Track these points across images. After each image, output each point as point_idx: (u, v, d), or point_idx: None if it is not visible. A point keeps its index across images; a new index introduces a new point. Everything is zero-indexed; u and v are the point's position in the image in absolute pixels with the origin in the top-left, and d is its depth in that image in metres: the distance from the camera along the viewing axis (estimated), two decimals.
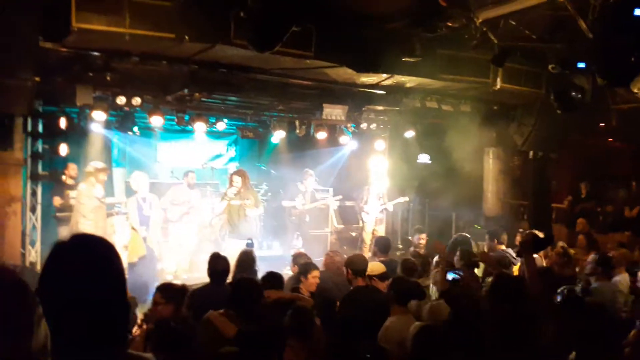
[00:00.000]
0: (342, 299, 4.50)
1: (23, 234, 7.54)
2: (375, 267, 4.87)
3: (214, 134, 10.11)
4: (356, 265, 4.81)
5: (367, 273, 4.79)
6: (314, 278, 4.84)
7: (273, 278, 4.52)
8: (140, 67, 6.49)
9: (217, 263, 4.71)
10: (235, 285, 3.90)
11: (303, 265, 5.10)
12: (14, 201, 7.32)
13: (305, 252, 6.40)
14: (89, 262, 1.32)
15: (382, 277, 4.72)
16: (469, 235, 7.09)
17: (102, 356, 1.29)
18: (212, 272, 4.67)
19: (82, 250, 1.35)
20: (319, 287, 4.85)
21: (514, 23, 6.11)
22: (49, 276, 1.31)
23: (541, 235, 4.77)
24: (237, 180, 7.58)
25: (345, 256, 5.55)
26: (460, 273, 4.60)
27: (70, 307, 1.26)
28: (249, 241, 6.26)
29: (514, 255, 6.34)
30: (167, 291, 3.86)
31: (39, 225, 7.85)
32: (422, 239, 7.77)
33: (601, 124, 9.43)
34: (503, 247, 6.82)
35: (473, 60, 7.00)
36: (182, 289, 4.03)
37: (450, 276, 4.51)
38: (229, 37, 5.63)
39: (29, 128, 7.61)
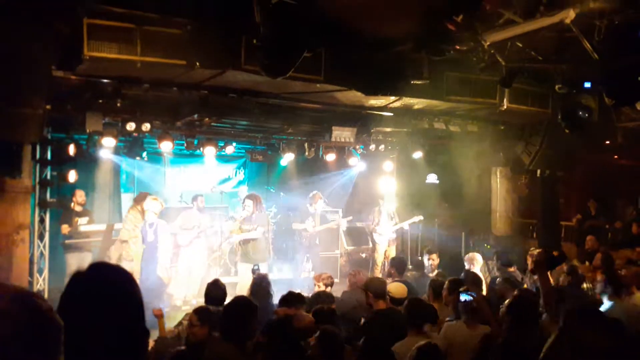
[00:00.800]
0: (364, 322, 4.49)
1: (31, 261, 7.48)
2: (396, 288, 4.85)
3: (222, 158, 10.12)
4: (377, 289, 4.79)
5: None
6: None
7: (292, 297, 4.53)
8: (150, 93, 6.55)
9: (213, 290, 4.86)
10: (227, 307, 3.91)
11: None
12: (22, 228, 7.27)
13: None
14: (107, 291, 1.33)
15: (397, 301, 4.69)
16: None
17: None
18: (207, 298, 4.83)
19: (100, 280, 1.36)
20: (345, 306, 4.85)
21: (520, 45, 6.18)
22: (66, 305, 1.30)
23: (554, 253, 4.76)
24: (249, 204, 7.51)
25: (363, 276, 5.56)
26: (474, 294, 4.56)
27: (88, 336, 1.25)
28: (255, 267, 6.23)
29: (519, 278, 6.34)
30: (203, 314, 4.03)
31: (46, 252, 7.80)
32: (432, 259, 7.74)
33: (607, 142, 9.48)
34: (512, 269, 6.79)
35: (480, 81, 7.06)
36: (217, 312, 4.15)
37: (462, 297, 4.46)
38: (239, 62, 5.68)
39: (38, 155, 7.62)
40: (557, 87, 6.86)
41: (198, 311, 4.10)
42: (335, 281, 7.53)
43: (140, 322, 1.37)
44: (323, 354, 3.14)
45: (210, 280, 8.55)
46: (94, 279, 1.35)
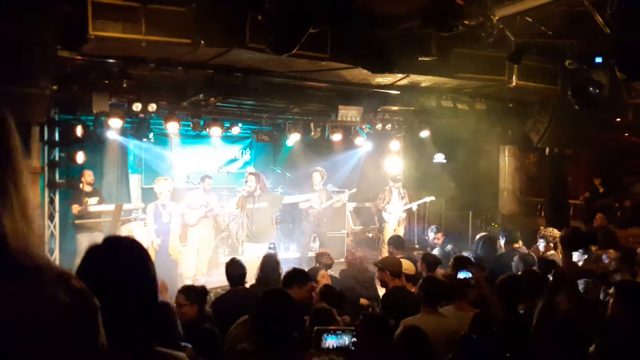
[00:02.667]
0: (383, 299, 4.50)
1: None
2: (408, 265, 4.87)
3: (228, 139, 10.14)
4: (394, 267, 4.79)
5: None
6: (322, 277, 4.94)
7: (296, 275, 4.52)
8: (156, 73, 6.52)
9: (232, 268, 4.86)
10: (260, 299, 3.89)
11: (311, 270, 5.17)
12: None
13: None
14: (123, 264, 1.35)
15: (410, 277, 4.72)
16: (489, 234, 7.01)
17: (133, 353, 1.33)
18: (229, 277, 4.84)
19: (115, 253, 1.37)
20: (343, 286, 4.86)
21: (530, 20, 6.08)
22: (82, 278, 1.32)
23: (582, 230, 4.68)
24: (251, 179, 7.45)
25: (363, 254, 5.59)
26: (472, 270, 4.57)
27: (103, 309, 1.25)
28: (271, 245, 6.25)
29: (525, 252, 6.36)
30: (190, 292, 3.98)
31: (57, 233, 7.89)
32: (438, 238, 7.76)
33: (617, 119, 9.37)
34: (517, 245, 6.79)
35: (488, 58, 6.96)
36: (204, 289, 4.17)
37: (461, 275, 4.47)
38: (244, 41, 5.63)
39: (46, 136, 7.65)
40: (567, 62, 6.76)
41: (184, 290, 4.02)
42: (341, 260, 7.59)
43: (155, 296, 1.40)
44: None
45: (218, 258, 8.69)
46: (109, 252, 1.36)
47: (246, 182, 7.52)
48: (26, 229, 0.91)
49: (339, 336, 2.66)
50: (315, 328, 2.75)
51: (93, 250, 1.36)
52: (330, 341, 2.65)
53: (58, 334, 0.84)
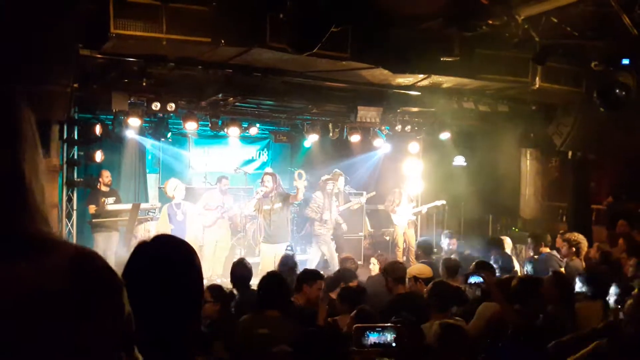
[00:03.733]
0: (385, 307, 4.41)
1: None
2: (422, 269, 4.77)
3: (246, 139, 10.11)
4: (396, 273, 4.70)
5: (413, 274, 4.70)
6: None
7: (305, 275, 4.50)
8: (175, 72, 6.52)
9: (236, 270, 4.83)
10: (260, 284, 3.92)
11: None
12: (51, 207, 7.36)
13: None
14: (173, 262, 1.32)
15: (428, 280, 4.62)
16: (502, 238, 6.89)
17: (175, 356, 1.30)
18: (232, 279, 4.81)
19: (164, 251, 1.35)
20: (371, 292, 4.79)
21: (555, 20, 5.95)
22: (129, 273, 1.30)
23: None
24: (268, 179, 7.37)
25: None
26: (483, 275, 4.47)
27: (152, 305, 1.24)
28: (289, 247, 6.20)
29: (559, 256, 6.23)
30: (216, 291, 4.02)
31: (74, 231, 7.93)
32: (453, 244, 7.64)
33: None
34: (547, 249, 6.66)
35: (511, 59, 6.83)
36: (230, 293, 4.27)
37: (472, 279, 4.37)
38: (264, 40, 5.58)
39: (65, 135, 7.69)
40: (593, 64, 6.61)
41: (211, 288, 4.10)
42: (359, 263, 7.50)
43: (201, 298, 1.38)
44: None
45: (233, 259, 8.65)
46: (158, 249, 1.34)
47: (262, 182, 7.46)
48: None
49: (381, 333, 2.65)
50: (355, 326, 2.73)
51: (141, 247, 1.34)
52: (372, 338, 2.65)
53: (64, 309, 0.80)
